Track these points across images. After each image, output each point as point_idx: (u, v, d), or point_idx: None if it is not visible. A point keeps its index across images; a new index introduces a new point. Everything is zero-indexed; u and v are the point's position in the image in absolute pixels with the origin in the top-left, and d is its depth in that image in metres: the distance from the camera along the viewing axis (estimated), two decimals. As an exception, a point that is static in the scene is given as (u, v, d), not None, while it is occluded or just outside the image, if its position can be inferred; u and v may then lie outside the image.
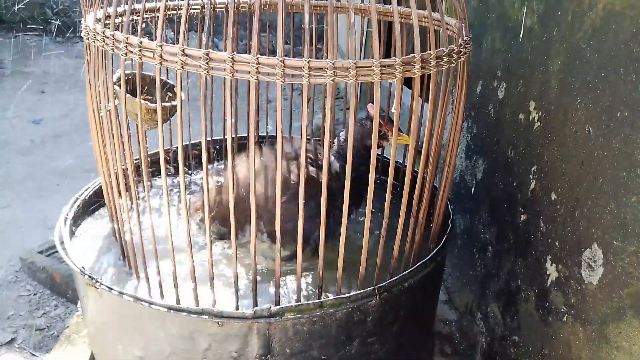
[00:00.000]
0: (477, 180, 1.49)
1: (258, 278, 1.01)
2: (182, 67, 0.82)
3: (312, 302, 0.96)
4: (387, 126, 1.22)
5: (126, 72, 1.19)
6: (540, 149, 1.14)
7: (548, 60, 1.12)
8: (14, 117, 3.39)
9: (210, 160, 1.59)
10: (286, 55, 0.79)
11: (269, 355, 0.97)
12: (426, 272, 1.08)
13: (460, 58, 0.97)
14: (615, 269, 0.90)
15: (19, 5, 5.09)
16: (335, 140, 1.30)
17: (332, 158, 1.24)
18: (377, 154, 1.54)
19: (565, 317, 1.05)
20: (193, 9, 1.45)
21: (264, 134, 1.73)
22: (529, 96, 1.20)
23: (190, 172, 1.60)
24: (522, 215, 1.22)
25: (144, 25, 0.99)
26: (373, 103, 0.88)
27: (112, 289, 0.99)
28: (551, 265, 1.09)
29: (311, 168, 1.19)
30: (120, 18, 1.09)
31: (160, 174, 0.93)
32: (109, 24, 0.90)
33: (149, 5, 1.26)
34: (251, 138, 0.86)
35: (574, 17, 1.02)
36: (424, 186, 1.06)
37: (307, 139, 1.20)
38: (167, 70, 1.42)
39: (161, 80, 0.87)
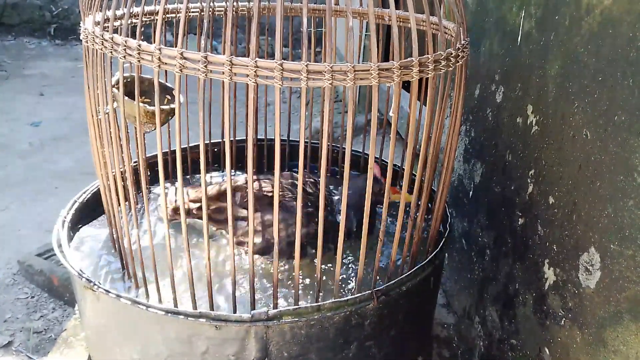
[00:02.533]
0: (475, 184, 1.50)
1: (256, 281, 1.01)
2: (181, 70, 0.82)
3: (310, 306, 0.96)
4: (392, 187, 1.22)
5: (125, 74, 1.20)
6: (538, 152, 1.15)
7: (546, 65, 1.12)
8: (12, 119, 3.39)
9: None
10: (285, 59, 0.80)
11: (266, 359, 0.97)
12: (424, 275, 1.08)
13: (458, 62, 0.97)
14: (612, 272, 0.90)
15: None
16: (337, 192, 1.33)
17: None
18: (375, 157, 1.54)
19: (562, 321, 1.05)
20: (192, 12, 1.46)
21: (262, 137, 1.73)
22: (526, 100, 1.20)
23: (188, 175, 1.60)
24: (520, 219, 1.22)
25: (142, 28, 0.99)
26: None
27: (109, 292, 0.99)
28: (549, 268, 1.09)
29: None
30: (119, 21, 1.09)
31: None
32: (108, 26, 0.90)
33: (147, 8, 1.26)
34: (249, 141, 0.86)
35: (572, 21, 1.03)
36: (422, 189, 1.07)
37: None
38: (166, 73, 1.42)
39: (160, 83, 0.87)
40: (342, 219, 0.92)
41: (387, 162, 0.94)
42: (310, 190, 1.29)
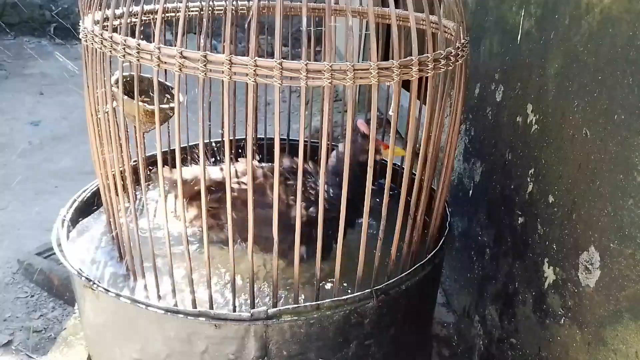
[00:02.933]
0: (475, 183, 1.50)
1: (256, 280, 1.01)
2: (180, 69, 0.82)
3: (309, 304, 0.96)
4: (379, 140, 1.20)
5: (124, 74, 1.19)
6: (537, 151, 1.15)
7: (545, 64, 1.12)
8: (12, 119, 3.38)
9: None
10: (284, 58, 0.80)
11: (266, 358, 0.97)
12: (424, 274, 1.08)
13: (457, 61, 0.97)
14: (612, 271, 0.90)
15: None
16: (330, 157, 1.26)
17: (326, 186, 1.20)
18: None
19: (562, 320, 1.05)
20: (191, 11, 1.45)
21: (262, 136, 1.73)
22: (526, 99, 1.20)
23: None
24: (519, 218, 1.22)
25: (142, 28, 0.99)
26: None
27: (109, 291, 0.99)
28: (548, 267, 1.09)
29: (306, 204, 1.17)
30: (118, 20, 1.09)
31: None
32: (107, 26, 0.90)
33: (147, 7, 1.26)
34: (249, 140, 0.86)
35: (571, 20, 1.03)
36: (421, 188, 1.06)
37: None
38: (166, 72, 1.42)
39: (159, 82, 0.87)
40: (341, 216, 0.92)
41: (386, 161, 0.94)
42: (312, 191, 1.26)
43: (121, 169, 1.03)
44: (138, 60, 0.85)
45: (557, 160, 1.07)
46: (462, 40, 1.00)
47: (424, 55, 0.87)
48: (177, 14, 1.44)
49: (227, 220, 0.91)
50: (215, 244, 1.25)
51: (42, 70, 4.36)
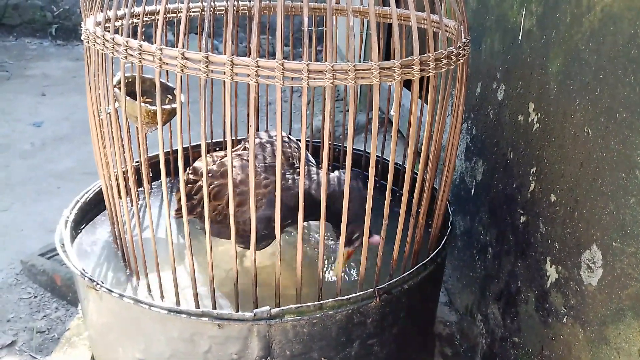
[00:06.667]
0: (477, 182, 1.50)
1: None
2: (182, 70, 0.82)
3: (312, 304, 0.96)
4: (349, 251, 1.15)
5: (126, 74, 1.20)
6: (539, 150, 1.15)
7: (547, 62, 1.12)
8: (14, 120, 3.39)
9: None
10: (286, 58, 0.80)
11: (269, 357, 0.97)
12: (426, 273, 1.08)
13: (459, 60, 0.97)
14: (614, 270, 0.90)
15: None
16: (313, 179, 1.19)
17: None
18: (377, 156, 1.53)
19: (565, 319, 1.05)
20: (193, 11, 1.46)
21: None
22: (528, 98, 1.20)
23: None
24: (521, 217, 1.22)
25: (143, 29, 0.99)
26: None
27: (112, 291, 0.99)
28: (551, 266, 1.09)
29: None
30: (120, 21, 1.09)
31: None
32: (109, 27, 0.91)
33: (148, 8, 1.27)
34: (251, 140, 0.86)
35: (573, 19, 1.03)
36: (423, 188, 1.07)
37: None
38: (167, 72, 1.42)
39: (161, 82, 0.88)
40: (343, 220, 0.93)
41: (388, 161, 0.94)
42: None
43: (124, 169, 1.03)
44: (140, 61, 0.85)
45: (558, 159, 1.07)
46: (464, 39, 1.00)
47: (425, 54, 0.87)
48: (179, 15, 1.44)
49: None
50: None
51: (44, 71, 4.37)
